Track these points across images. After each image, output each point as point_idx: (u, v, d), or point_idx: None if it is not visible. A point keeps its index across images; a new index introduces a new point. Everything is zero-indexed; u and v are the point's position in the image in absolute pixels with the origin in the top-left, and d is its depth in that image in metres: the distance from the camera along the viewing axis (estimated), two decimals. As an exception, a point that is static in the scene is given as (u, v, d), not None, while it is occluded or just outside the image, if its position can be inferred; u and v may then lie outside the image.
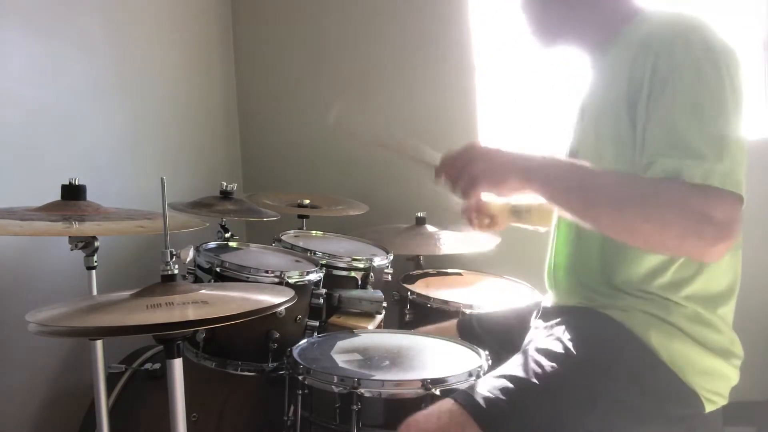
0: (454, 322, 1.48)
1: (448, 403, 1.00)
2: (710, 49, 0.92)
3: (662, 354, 0.98)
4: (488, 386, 1.00)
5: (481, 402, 0.97)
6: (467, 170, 0.97)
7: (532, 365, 1.01)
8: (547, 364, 1.00)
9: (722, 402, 1.02)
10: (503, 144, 1.00)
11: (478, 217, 1.66)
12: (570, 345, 1.02)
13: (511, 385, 0.99)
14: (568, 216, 0.95)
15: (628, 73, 0.97)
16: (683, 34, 0.94)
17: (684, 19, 0.97)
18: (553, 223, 1.25)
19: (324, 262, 1.64)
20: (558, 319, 1.11)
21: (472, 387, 1.02)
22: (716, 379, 1.00)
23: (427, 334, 1.46)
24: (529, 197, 1.53)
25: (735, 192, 0.83)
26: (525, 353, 1.06)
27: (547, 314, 1.20)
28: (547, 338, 1.07)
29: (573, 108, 1.21)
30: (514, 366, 1.04)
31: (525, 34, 1.17)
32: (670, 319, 0.99)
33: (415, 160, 1.12)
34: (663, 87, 0.90)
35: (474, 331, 1.40)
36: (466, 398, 0.99)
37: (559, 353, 1.01)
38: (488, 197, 1.64)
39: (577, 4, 1.09)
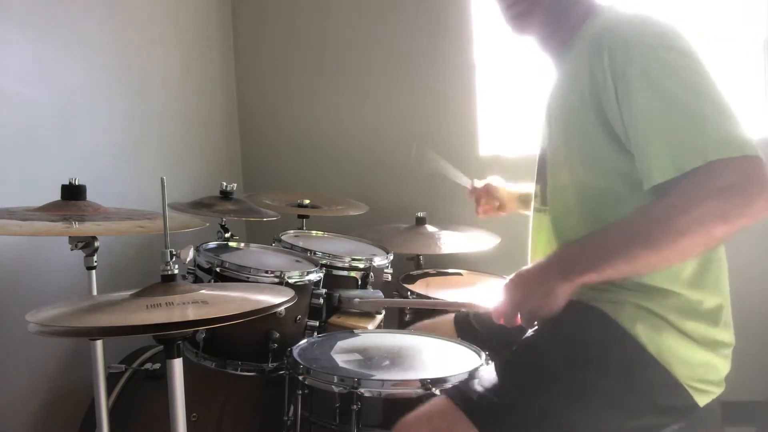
0: (450, 317, 1.48)
1: (440, 400, 1.00)
2: (662, 36, 0.94)
3: (649, 346, 0.98)
4: (480, 382, 1.01)
5: (474, 398, 0.97)
6: (524, 312, 0.98)
7: (524, 360, 1.02)
8: (539, 359, 1.01)
9: (715, 391, 1.02)
10: (526, 267, 1.01)
11: (487, 201, 1.67)
12: (560, 339, 1.03)
13: (503, 380, 0.99)
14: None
15: (588, 74, 0.98)
16: (633, 27, 0.96)
17: (633, 15, 0.99)
18: (529, 227, 1.25)
19: (324, 262, 1.64)
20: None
21: (465, 383, 1.02)
22: (703, 368, 1.00)
23: (424, 329, 1.46)
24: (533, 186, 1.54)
25: (737, 155, 0.84)
26: (517, 349, 1.06)
27: None
28: (539, 333, 1.07)
29: (540, 110, 1.21)
30: (505, 361, 1.04)
31: (499, 16, 1.16)
32: (658, 310, 1.00)
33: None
34: (626, 82, 0.92)
35: (471, 327, 1.41)
36: (458, 395, 0.99)
37: (550, 348, 1.02)
38: (497, 184, 1.65)
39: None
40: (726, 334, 1.03)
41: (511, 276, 1.01)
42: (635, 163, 0.94)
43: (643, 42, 0.93)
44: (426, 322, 1.52)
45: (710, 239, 0.87)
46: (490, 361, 1.23)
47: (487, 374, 1.02)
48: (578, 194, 1.06)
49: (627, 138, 0.94)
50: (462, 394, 0.99)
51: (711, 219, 0.83)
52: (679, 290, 1.00)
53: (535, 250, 1.21)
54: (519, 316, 0.99)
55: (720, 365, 1.02)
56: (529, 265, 1.00)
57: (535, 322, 1.00)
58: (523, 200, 1.60)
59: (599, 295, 1.06)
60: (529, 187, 1.57)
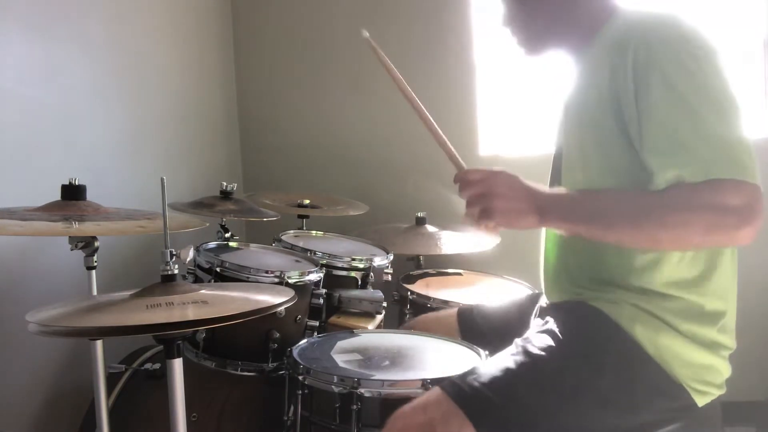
0: (454, 311, 1.48)
1: (435, 393, 1.00)
2: (687, 40, 0.93)
3: (648, 347, 0.99)
4: (477, 376, 1.01)
5: (469, 392, 0.98)
6: (485, 201, 0.99)
7: (521, 356, 1.02)
8: (536, 356, 1.01)
9: (714, 393, 1.02)
10: (519, 176, 1.01)
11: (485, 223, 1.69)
12: (558, 337, 1.03)
13: (499, 376, 1.00)
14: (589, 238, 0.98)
15: (608, 73, 0.98)
16: (658, 29, 0.96)
17: (659, 16, 0.98)
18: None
19: (324, 262, 1.64)
20: (550, 314, 1.12)
21: (462, 377, 1.02)
22: (702, 370, 1.00)
23: (426, 324, 1.46)
24: None
25: (741, 179, 0.85)
26: (515, 344, 1.07)
27: (542, 312, 1.21)
28: (538, 331, 1.08)
29: (558, 108, 1.22)
30: (504, 357, 1.04)
31: (512, 45, 1.19)
32: (657, 312, 1.00)
33: (446, 151, 1.14)
34: (647, 84, 0.92)
35: (474, 322, 1.41)
36: (453, 388, 1.00)
37: (548, 345, 1.02)
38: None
39: (559, 11, 1.10)
40: (725, 338, 1.03)
41: (505, 171, 1.01)
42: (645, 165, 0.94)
43: (667, 46, 0.93)
44: (429, 315, 1.52)
45: (686, 242, 0.91)
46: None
47: (484, 369, 1.03)
48: None
49: (640, 139, 0.94)
50: (457, 387, 0.99)
51: (697, 226, 0.86)
52: (679, 294, 1.00)
53: (547, 247, 1.21)
54: (477, 199, 0.99)
55: (721, 367, 1.02)
56: (523, 180, 1.00)
57: (480, 217, 1.00)
58: None
59: (599, 295, 1.06)
60: None
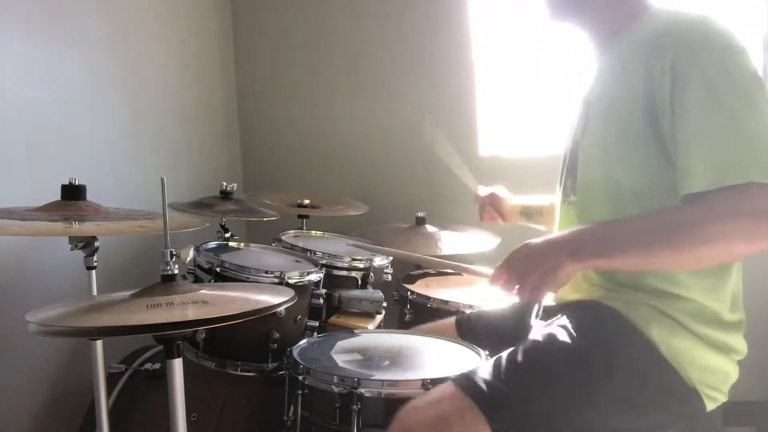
0: (452, 319, 1.48)
1: (448, 388, 1.00)
2: (726, 42, 0.92)
3: (663, 349, 0.98)
4: (489, 370, 1.00)
5: (483, 386, 0.97)
6: (525, 284, 0.95)
7: (535, 352, 1.01)
8: (549, 352, 1.00)
9: (722, 399, 1.02)
10: (532, 240, 0.97)
11: (491, 210, 1.69)
12: (572, 335, 1.02)
13: (513, 371, 0.99)
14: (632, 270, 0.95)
15: (644, 71, 0.97)
16: (700, 32, 0.94)
17: (695, 17, 0.98)
18: (555, 223, 1.25)
19: (324, 262, 1.65)
20: (562, 312, 1.11)
21: (474, 371, 1.02)
22: (715, 375, 1.00)
23: (426, 332, 1.46)
24: (540, 198, 1.55)
25: None
26: (528, 340, 1.06)
27: (549, 312, 1.20)
28: (550, 327, 1.07)
29: (574, 102, 1.20)
30: (516, 351, 1.04)
31: (539, 3, 1.16)
32: (673, 313, 1.00)
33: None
34: (685, 83, 0.90)
35: (472, 329, 1.41)
36: (467, 383, 0.99)
37: (561, 342, 1.01)
38: (501, 195, 1.67)
39: None
40: (737, 342, 1.03)
41: (518, 246, 0.98)
42: (674, 167, 0.92)
43: (709, 48, 0.92)
44: (428, 324, 1.52)
45: (729, 254, 0.87)
46: (489, 359, 1.23)
47: (497, 364, 1.01)
48: (610, 190, 1.05)
49: (673, 140, 0.92)
50: (470, 382, 0.99)
51: (738, 236, 0.83)
52: (695, 297, 1.00)
53: None
54: (518, 287, 0.97)
55: (732, 372, 1.02)
56: (538, 241, 0.96)
57: (533, 297, 0.96)
58: (525, 213, 1.61)
59: (614, 294, 1.06)
60: (532, 199, 1.58)
